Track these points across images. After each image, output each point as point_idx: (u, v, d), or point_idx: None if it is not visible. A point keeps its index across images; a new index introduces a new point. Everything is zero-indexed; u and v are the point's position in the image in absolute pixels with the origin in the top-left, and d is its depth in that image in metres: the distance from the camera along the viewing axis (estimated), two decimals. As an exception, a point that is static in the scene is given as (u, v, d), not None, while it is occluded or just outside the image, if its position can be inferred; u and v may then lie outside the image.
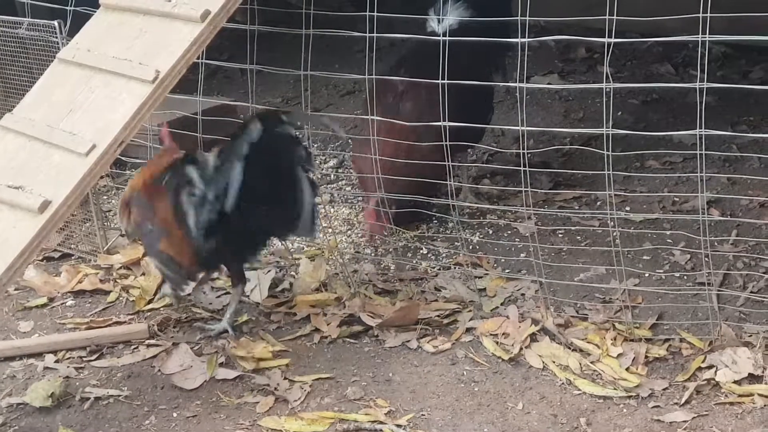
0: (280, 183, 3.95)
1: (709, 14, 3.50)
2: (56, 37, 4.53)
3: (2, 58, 4.85)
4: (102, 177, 3.95)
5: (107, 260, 4.74)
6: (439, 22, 4.98)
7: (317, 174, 4.12)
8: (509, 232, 4.85)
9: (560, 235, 4.79)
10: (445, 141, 4.10)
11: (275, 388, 3.85)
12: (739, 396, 3.67)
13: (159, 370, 4.00)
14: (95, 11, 4.07)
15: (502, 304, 4.28)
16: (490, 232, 4.87)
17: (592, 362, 3.88)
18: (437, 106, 4.01)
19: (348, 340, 4.13)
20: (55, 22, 4.54)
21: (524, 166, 3.96)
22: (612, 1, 3.63)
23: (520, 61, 3.89)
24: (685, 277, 4.38)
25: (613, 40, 3.61)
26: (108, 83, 3.64)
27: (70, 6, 4.71)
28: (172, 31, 3.65)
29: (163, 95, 3.58)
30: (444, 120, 4.01)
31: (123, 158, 4.88)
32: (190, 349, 4.07)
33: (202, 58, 4.27)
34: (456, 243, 4.65)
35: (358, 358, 4.03)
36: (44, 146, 3.59)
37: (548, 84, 6.35)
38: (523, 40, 3.84)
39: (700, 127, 3.61)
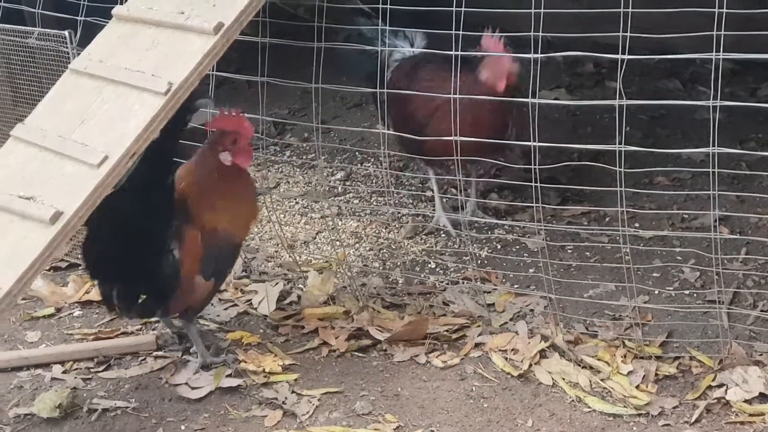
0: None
1: (723, 32, 3.50)
2: (66, 47, 4.54)
3: (12, 68, 4.85)
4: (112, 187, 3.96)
5: (114, 271, 4.72)
6: (412, 45, 5.13)
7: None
8: (518, 247, 4.84)
9: (569, 251, 4.78)
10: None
11: (283, 402, 3.84)
12: (750, 415, 3.66)
13: (166, 382, 3.98)
14: (106, 22, 4.06)
15: (511, 319, 4.27)
16: (499, 246, 4.87)
17: (602, 379, 3.87)
18: None
19: (356, 354, 4.12)
20: (66, 32, 4.54)
21: (535, 182, 3.96)
22: (625, 17, 3.64)
23: (532, 77, 3.88)
24: (695, 295, 4.37)
25: (626, 56, 3.60)
26: (120, 94, 3.62)
27: (81, 16, 4.71)
28: (185, 43, 3.64)
29: (176, 107, 3.56)
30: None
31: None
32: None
33: (213, 70, 4.26)
34: (464, 257, 4.64)
35: (367, 372, 4.01)
36: (56, 157, 3.57)
37: (556, 98, 6.34)
38: (535, 55, 3.84)
39: (712, 145, 3.61)
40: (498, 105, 4.56)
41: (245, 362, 4.03)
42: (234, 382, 3.94)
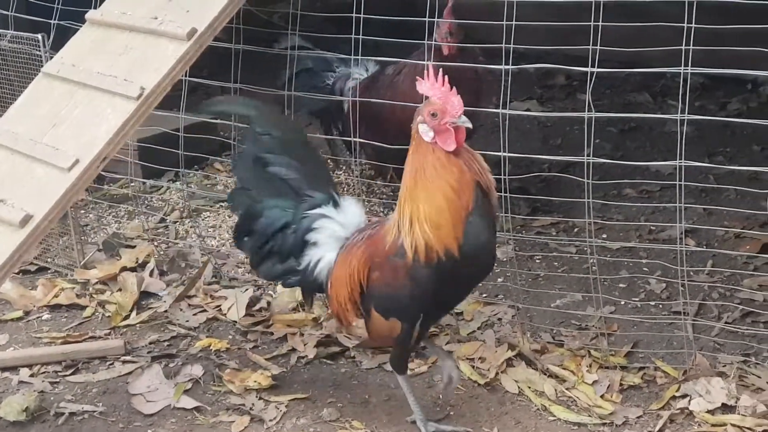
0: None
1: (691, 47, 3.54)
2: (39, 51, 4.53)
3: (-18, 70, 4.84)
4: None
5: (84, 275, 4.72)
6: (366, 70, 5.22)
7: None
8: (487, 256, 4.86)
9: (537, 261, 4.82)
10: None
11: (251, 408, 3.84)
12: (713, 426, 3.68)
13: (127, 390, 3.97)
14: (79, 26, 4.07)
15: (479, 328, 4.29)
16: (468, 255, 4.88)
17: (567, 389, 3.90)
18: None
19: (325, 360, 4.13)
20: (39, 36, 4.54)
21: (504, 192, 3.99)
22: (595, 30, 3.68)
23: (503, 88, 3.91)
24: (661, 306, 4.41)
25: (596, 69, 3.65)
26: (92, 99, 3.64)
27: (54, 20, 4.71)
28: (157, 49, 3.66)
29: (148, 112, 3.58)
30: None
31: (102, 173, 4.86)
32: (161, 370, 4.04)
33: (186, 75, 4.27)
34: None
35: (335, 378, 4.02)
36: (27, 160, 3.58)
37: (527, 110, 6.40)
38: (506, 67, 3.88)
39: (679, 158, 3.65)
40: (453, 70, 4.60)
41: (229, 381, 3.99)
42: (191, 403, 3.88)
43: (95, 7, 4.07)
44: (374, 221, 3.63)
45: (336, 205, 3.61)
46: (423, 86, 3.33)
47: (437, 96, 3.28)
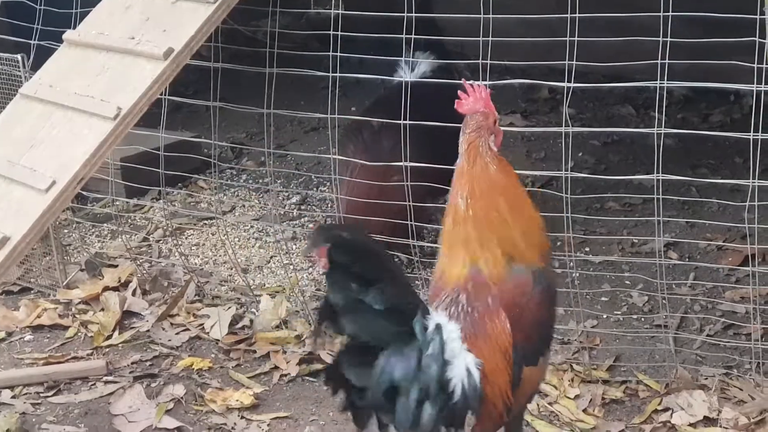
0: None
1: (667, 61, 3.56)
2: (19, 71, 4.54)
3: (-36, 91, 4.84)
4: (63, 211, 3.98)
5: (66, 295, 4.72)
6: (411, 69, 5.05)
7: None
8: (470, 271, 4.85)
9: (520, 275, 4.80)
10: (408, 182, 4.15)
11: (232, 428, 3.83)
12: (694, 439, 3.70)
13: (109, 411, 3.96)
14: (59, 46, 4.07)
15: (461, 343, 4.28)
16: (451, 271, 4.87)
17: (549, 403, 3.89)
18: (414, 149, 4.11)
19: (308, 378, 4.12)
20: (19, 56, 4.54)
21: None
22: (572, 45, 3.69)
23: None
24: (643, 320, 4.41)
25: (572, 84, 3.65)
26: (70, 119, 3.64)
27: (34, 40, 4.71)
28: (134, 68, 3.66)
29: (125, 132, 3.59)
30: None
31: (84, 192, 4.88)
32: (143, 390, 4.03)
33: (165, 94, 4.28)
34: (416, 282, 4.66)
35: (317, 396, 4.01)
36: (4, 182, 3.58)
37: (511, 124, 6.39)
38: (485, 82, 3.88)
39: (657, 172, 3.66)
40: None
41: (211, 400, 3.98)
42: (172, 423, 3.87)
43: (74, 28, 4.08)
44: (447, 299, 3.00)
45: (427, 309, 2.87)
46: (466, 105, 3.08)
47: (482, 106, 3.07)
